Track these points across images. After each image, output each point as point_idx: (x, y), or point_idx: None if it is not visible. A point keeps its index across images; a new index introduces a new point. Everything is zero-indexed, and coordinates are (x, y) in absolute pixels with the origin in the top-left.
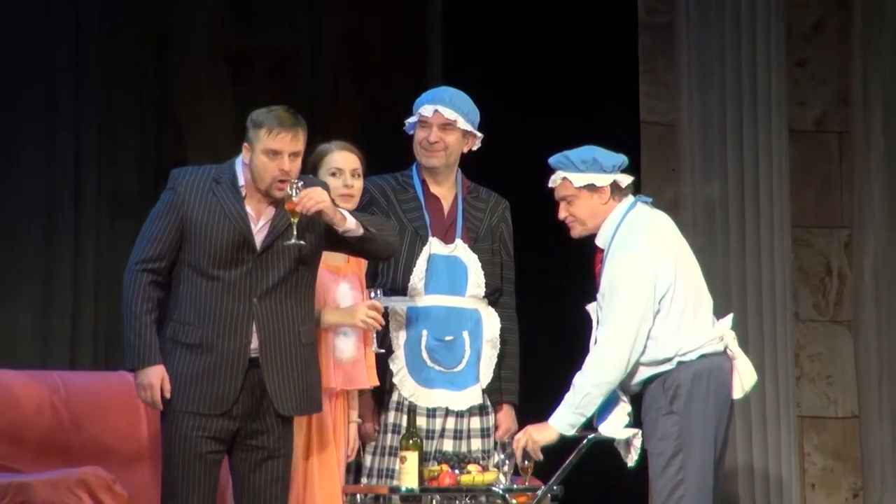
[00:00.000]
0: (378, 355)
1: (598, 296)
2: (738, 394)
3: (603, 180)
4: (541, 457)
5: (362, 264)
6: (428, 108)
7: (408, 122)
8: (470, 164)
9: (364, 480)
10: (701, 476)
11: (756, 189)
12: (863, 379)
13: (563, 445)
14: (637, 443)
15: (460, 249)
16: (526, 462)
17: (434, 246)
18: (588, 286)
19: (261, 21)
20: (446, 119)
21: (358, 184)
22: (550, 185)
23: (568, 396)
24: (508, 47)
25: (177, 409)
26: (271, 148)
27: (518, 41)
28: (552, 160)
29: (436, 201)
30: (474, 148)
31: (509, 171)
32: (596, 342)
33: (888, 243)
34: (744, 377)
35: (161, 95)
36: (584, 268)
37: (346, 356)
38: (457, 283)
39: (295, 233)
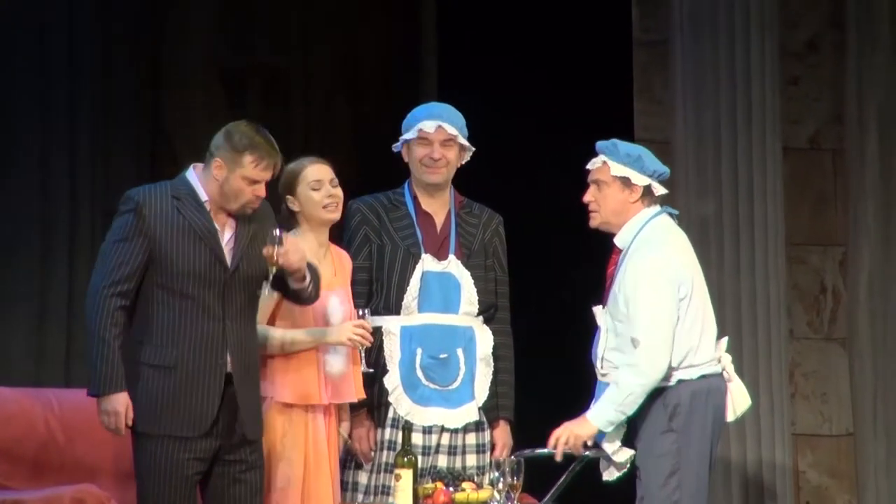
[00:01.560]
0: (368, 373)
1: (613, 296)
2: (730, 416)
3: (639, 180)
4: (582, 451)
5: (347, 277)
6: (429, 123)
7: (402, 140)
8: (465, 179)
9: (360, 498)
10: (697, 497)
11: (750, 207)
12: (857, 396)
13: (557, 464)
14: (621, 461)
15: (453, 266)
16: (515, 480)
17: (427, 263)
18: (581, 299)
19: (255, 39)
20: (448, 135)
21: (339, 192)
22: (589, 166)
23: (610, 393)
24: (503, 64)
25: (154, 434)
26: (254, 178)
27: (513, 58)
28: (599, 143)
29: (428, 218)
30: (464, 162)
31: (505, 186)
32: (603, 345)
33: (883, 261)
34: (737, 401)
35: (155, 114)
36: (580, 281)
37: (335, 370)
38: (450, 300)
39: (270, 279)
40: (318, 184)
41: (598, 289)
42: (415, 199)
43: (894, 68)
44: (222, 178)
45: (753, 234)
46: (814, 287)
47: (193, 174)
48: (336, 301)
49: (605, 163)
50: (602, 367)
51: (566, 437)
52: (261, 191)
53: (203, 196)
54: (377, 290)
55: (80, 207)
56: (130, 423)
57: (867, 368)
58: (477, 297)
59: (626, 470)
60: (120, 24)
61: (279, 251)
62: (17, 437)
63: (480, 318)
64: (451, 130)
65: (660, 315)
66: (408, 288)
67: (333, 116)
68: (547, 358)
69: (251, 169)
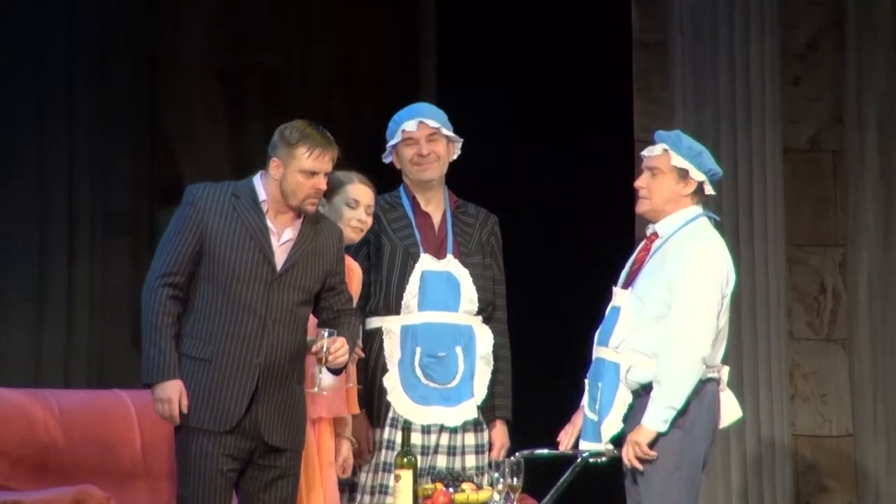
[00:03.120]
0: (364, 380)
1: (647, 279)
2: (720, 425)
3: (696, 175)
4: (652, 454)
5: (354, 290)
6: (411, 122)
7: (389, 146)
8: (463, 179)
9: (359, 498)
10: (692, 496)
11: (750, 207)
12: (857, 397)
13: (557, 464)
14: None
15: (452, 265)
16: (515, 480)
17: (426, 262)
18: (578, 297)
19: (253, 40)
20: (431, 129)
21: (370, 220)
22: (646, 153)
23: (655, 393)
24: (502, 66)
25: (188, 426)
26: (310, 169)
27: (512, 60)
28: (661, 133)
29: (426, 218)
30: (455, 156)
31: (503, 187)
32: (625, 326)
33: (882, 261)
34: (727, 411)
35: (153, 115)
36: (577, 281)
37: (327, 384)
38: (449, 298)
39: (318, 380)
40: (356, 203)
41: (597, 286)
42: (412, 199)
43: (895, 68)
44: (280, 175)
45: (753, 235)
46: (814, 288)
47: (258, 177)
48: None
49: (666, 151)
50: (619, 347)
51: (632, 450)
52: (320, 183)
53: (261, 196)
54: (375, 291)
55: (79, 207)
56: (185, 409)
57: (867, 369)
58: (476, 295)
59: (604, 459)
60: (118, 24)
61: (328, 356)
62: (17, 438)
63: (480, 317)
64: (433, 124)
65: (707, 307)
66: (407, 287)
67: (331, 116)
68: (545, 358)
69: (305, 160)
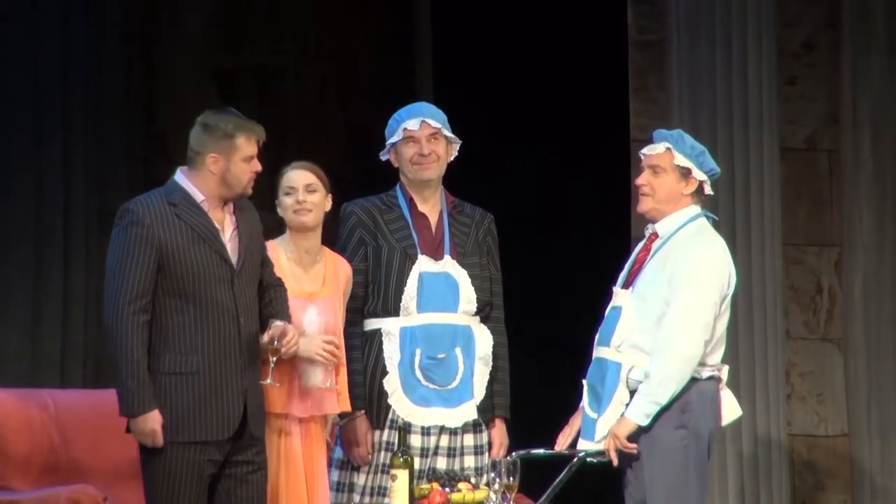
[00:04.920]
0: (364, 382)
1: (649, 278)
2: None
3: (698, 175)
4: (632, 447)
5: (340, 287)
6: (413, 121)
7: (389, 144)
8: (459, 178)
9: (357, 499)
10: (699, 494)
11: (747, 207)
12: (852, 397)
13: (553, 464)
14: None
15: (450, 266)
16: (511, 480)
17: (423, 264)
18: (576, 297)
19: (248, 39)
20: (433, 129)
21: (311, 198)
22: (647, 151)
23: (643, 386)
24: (499, 65)
25: (178, 441)
26: (251, 154)
27: (508, 59)
28: (662, 132)
29: (423, 219)
30: (452, 157)
31: (499, 185)
32: (627, 325)
33: (878, 261)
34: (727, 409)
35: (149, 114)
36: (574, 280)
37: (314, 382)
38: (448, 299)
39: (270, 372)
40: (292, 190)
41: (593, 285)
42: (409, 200)
43: (889, 68)
44: (221, 169)
45: (750, 235)
46: (810, 287)
47: (183, 177)
48: (313, 312)
49: (668, 150)
50: (620, 347)
51: (611, 442)
52: (258, 165)
53: (199, 197)
54: (373, 292)
55: (75, 207)
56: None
57: (862, 368)
58: (475, 296)
59: (601, 459)
60: (113, 25)
61: (279, 347)
62: (13, 438)
63: (478, 317)
64: (435, 124)
65: (705, 308)
66: (405, 289)
67: (327, 116)
68: (542, 358)
69: (246, 147)
